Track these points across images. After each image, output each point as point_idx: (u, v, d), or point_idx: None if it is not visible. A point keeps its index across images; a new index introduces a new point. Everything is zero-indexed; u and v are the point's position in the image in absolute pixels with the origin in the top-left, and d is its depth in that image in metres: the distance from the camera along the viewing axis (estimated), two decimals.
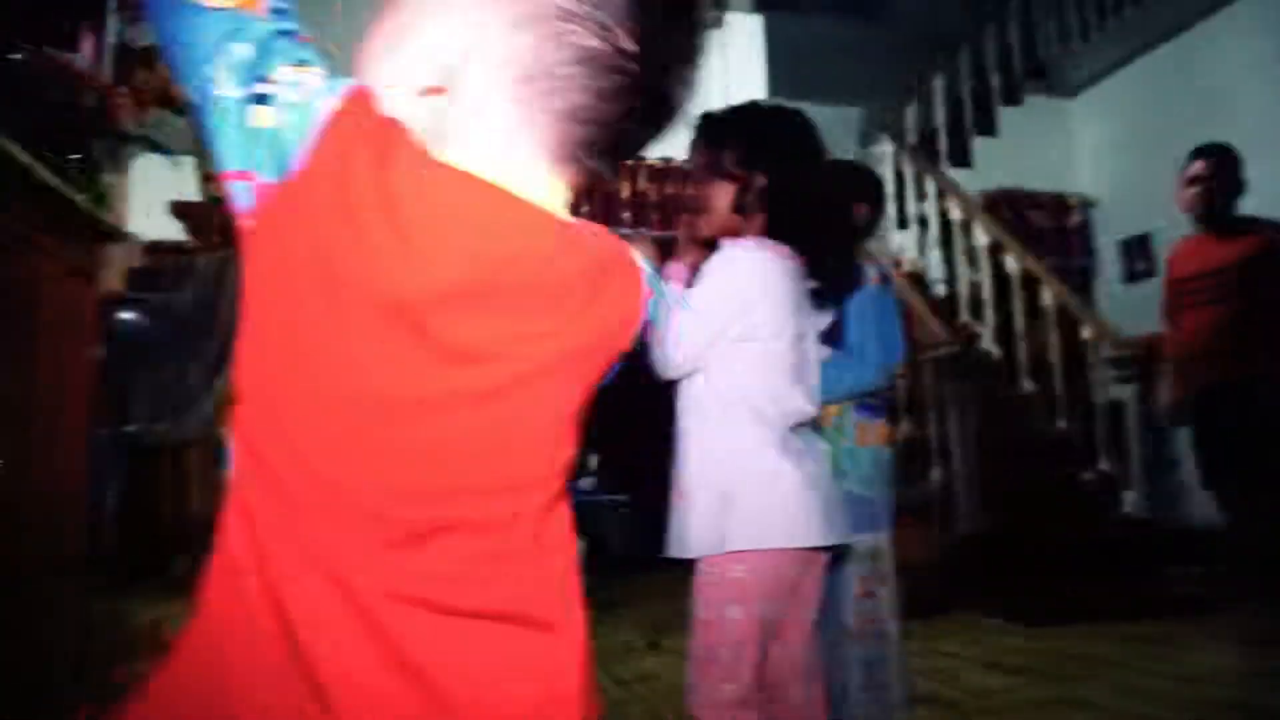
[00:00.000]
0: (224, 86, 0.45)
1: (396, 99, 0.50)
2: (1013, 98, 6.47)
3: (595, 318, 0.55)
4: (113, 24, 2.71)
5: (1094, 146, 6.59)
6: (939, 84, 6.02)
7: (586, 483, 4.35)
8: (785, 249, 1.26)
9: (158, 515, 4.51)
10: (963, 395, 3.70)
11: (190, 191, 4.51)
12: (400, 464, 0.48)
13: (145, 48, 3.08)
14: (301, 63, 0.47)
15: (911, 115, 6.14)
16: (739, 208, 1.29)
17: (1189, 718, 2.06)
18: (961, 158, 6.19)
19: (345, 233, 0.46)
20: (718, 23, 5.88)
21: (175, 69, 0.48)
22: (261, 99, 0.45)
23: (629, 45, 0.50)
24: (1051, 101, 6.65)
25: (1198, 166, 3.08)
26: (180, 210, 4.67)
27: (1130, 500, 4.14)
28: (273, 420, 0.47)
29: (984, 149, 6.31)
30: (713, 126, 1.61)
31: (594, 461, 4.53)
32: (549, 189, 0.54)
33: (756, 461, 1.19)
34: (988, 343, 4.60)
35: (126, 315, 1.76)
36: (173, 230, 5.00)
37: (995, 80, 6.36)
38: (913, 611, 3.39)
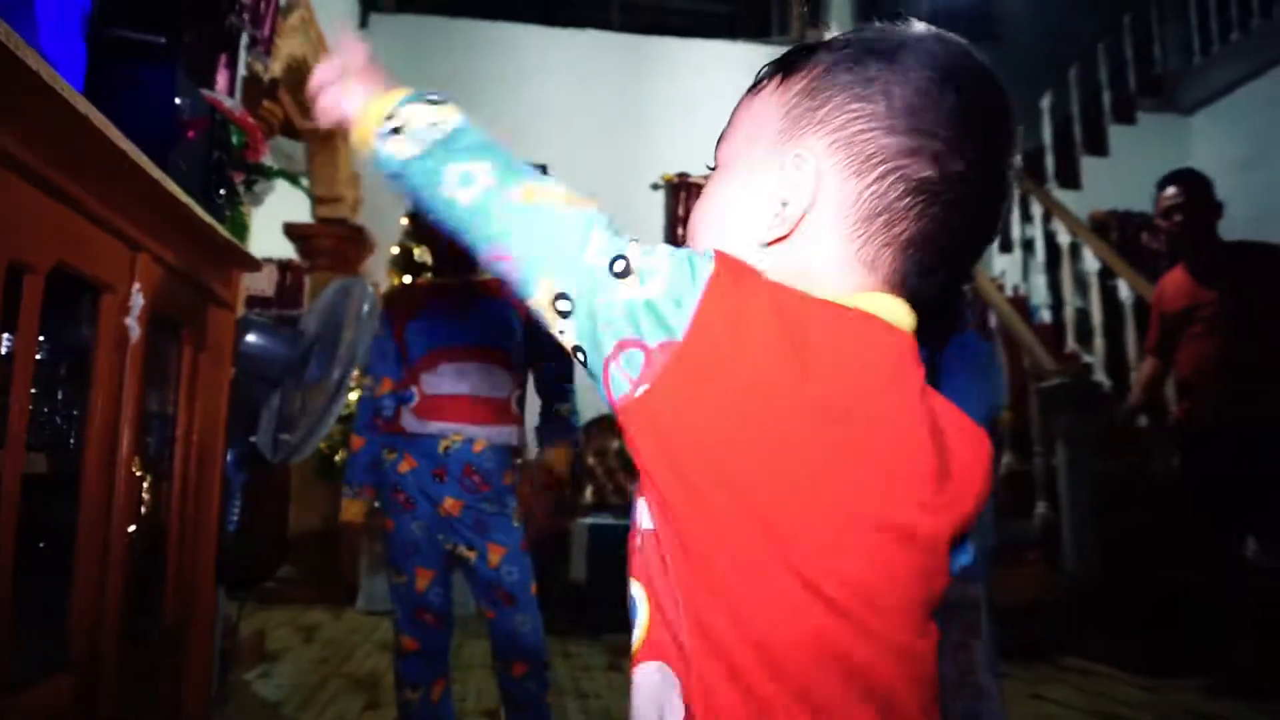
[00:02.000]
0: (600, 273, 0.48)
1: (741, 254, 0.52)
2: (1126, 115, 6.23)
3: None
4: (243, 56, 2.86)
5: (1214, 165, 6.28)
6: (1046, 102, 5.83)
7: None
8: None
9: (259, 528, 4.70)
10: (1072, 428, 3.55)
11: (301, 213, 4.69)
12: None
13: (271, 79, 3.24)
14: (634, 239, 0.50)
15: (1017, 134, 5.97)
16: None
17: None
18: (1070, 178, 5.98)
19: (781, 404, 0.46)
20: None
21: (533, 273, 0.50)
22: (626, 273, 0.48)
23: (960, 167, 0.52)
24: (1168, 119, 6.37)
25: (1170, 194, 2.89)
26: (294, 232, 4.88)
27: (1251, 546, 3.90)
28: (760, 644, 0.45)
29: (1093, 169, 6.09)
30: None
31: None
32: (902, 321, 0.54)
33: None
34: (1099, 373, 4.41)
35: (255, 338, 1.83)
36: (286, 249, 5.23)
37: (1107, 98, 6.14)
38: (1015, 655, 3.28)
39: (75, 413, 1.14)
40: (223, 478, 1.87)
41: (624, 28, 6.00)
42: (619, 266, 0.48)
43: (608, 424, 5.03)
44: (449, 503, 1.79)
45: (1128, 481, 3.87)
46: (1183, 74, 6.28)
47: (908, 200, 0.52)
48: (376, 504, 1.94)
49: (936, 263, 0.53)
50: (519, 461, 1.93)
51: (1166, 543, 3.66)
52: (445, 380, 1.84)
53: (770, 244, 0.54)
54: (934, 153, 0.51)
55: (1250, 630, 2.93)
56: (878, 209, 0.52)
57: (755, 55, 5.88)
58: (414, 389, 1.86)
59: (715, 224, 0.58)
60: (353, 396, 2.88)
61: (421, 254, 4.76)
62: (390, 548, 1.85)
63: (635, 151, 5.53)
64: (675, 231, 5.44)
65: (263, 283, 5.11)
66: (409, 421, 1.84)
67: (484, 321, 1.89)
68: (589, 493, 4.85)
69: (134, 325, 1.16)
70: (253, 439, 2.11)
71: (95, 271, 1.09)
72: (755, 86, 0.60)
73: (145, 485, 1.28)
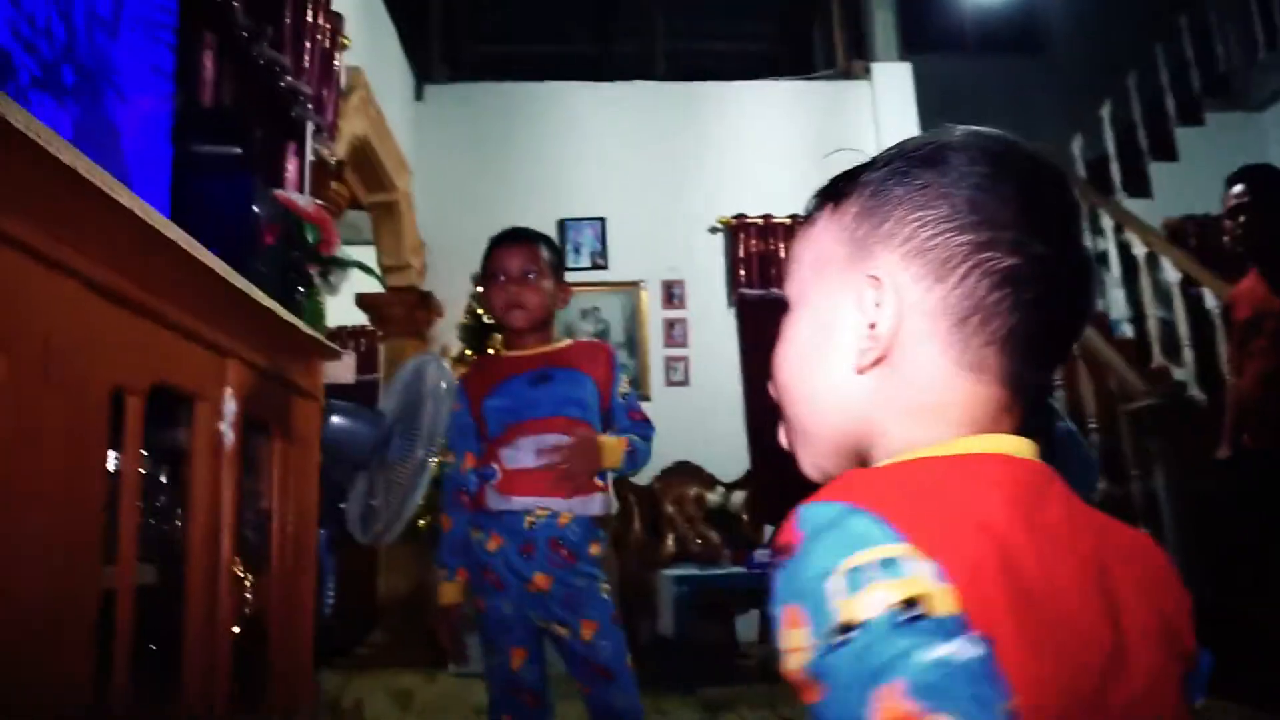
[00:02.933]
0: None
1: (841, 388, 0.53)
2: (1192, 117, 6.04)
3: None
4: (309, 144, 2.98)
5: None
6: (1106, 110, 5.70)
7: (762, 554, 4.27)
8: None
9: (350, 596, 4.79)
10: (1168, 451, 3.40)
11: (372, 282, 4.83)
12: None
13: (338, 161, 3.36)
14: None
15: (1077, 146, 5.83)
16: None
17: None
18: (1139, 186, 5.81)
19: None
20: (864, 73, 5.82)
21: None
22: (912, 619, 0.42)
23: (1041, 249, 0.51)
24: (1237, 117, 6.16)
25: (1236, 192, 2.69)
26: (365, 302, 5.03)
27: None
28: None
29: (1163, 175, 5.90)
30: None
31: (768, 533, 4.46)
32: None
33: None
34: (1192, 388, 4.23)
35: (338, 420, 1.88)
36: (358, 317, 5.38)
37: (1170, 101, 5.97)
38: None
39: (178, 521, 1.18)
40: (317, 562, 1.91)
41: (669, 76, 6.07)
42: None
43: (686, 471, 5.01)
44: (539, 579, 1.79)
45: (1232, 503, 3.69)
46: (1248, 70, 6.08)
47: (997, 294, 0.51)
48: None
49: (1042, 351, 0.52)
50: (604, 534, 1.91)
51: (1272, 566, 3.47)
52: (525, 454, 1.85)
53: (866, 369, 0.53)
54: (1010, 241, 0.51)
55: None
56: (970, 309, 0.51)
57: (800, 91, 5.89)
58: (495, 465, 1.87)
59: (806, 363, 0.57)
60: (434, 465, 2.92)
61: (490, 319, 4.86)
62: (483, 628, 1.86)
63: (691, 196, 5.57)
64: (737, 273, 5.44)
65: (343, 371, 5.25)
66: (493, 499, 1.85)
67: (560, 391, 1.90)
68: (670, 541, 4.81)
69: (228, 430, 1.21)
70: (342, 521, 2.16)
71: (189, 383, 1.13)
72: (807, 219, 0.60)
73: (248, 584, 1.32)
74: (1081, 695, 0.45)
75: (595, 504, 1.88)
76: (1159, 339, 4.51)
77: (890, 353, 0.52)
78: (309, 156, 2.96)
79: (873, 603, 0.41)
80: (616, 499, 4.64)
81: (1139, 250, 4.58)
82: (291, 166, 2.72)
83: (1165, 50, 6.02)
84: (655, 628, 4.10)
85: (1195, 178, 5.91)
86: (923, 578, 0.42)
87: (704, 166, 5.64)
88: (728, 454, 5.08)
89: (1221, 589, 3.28)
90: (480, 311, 4.89)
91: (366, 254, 4.77)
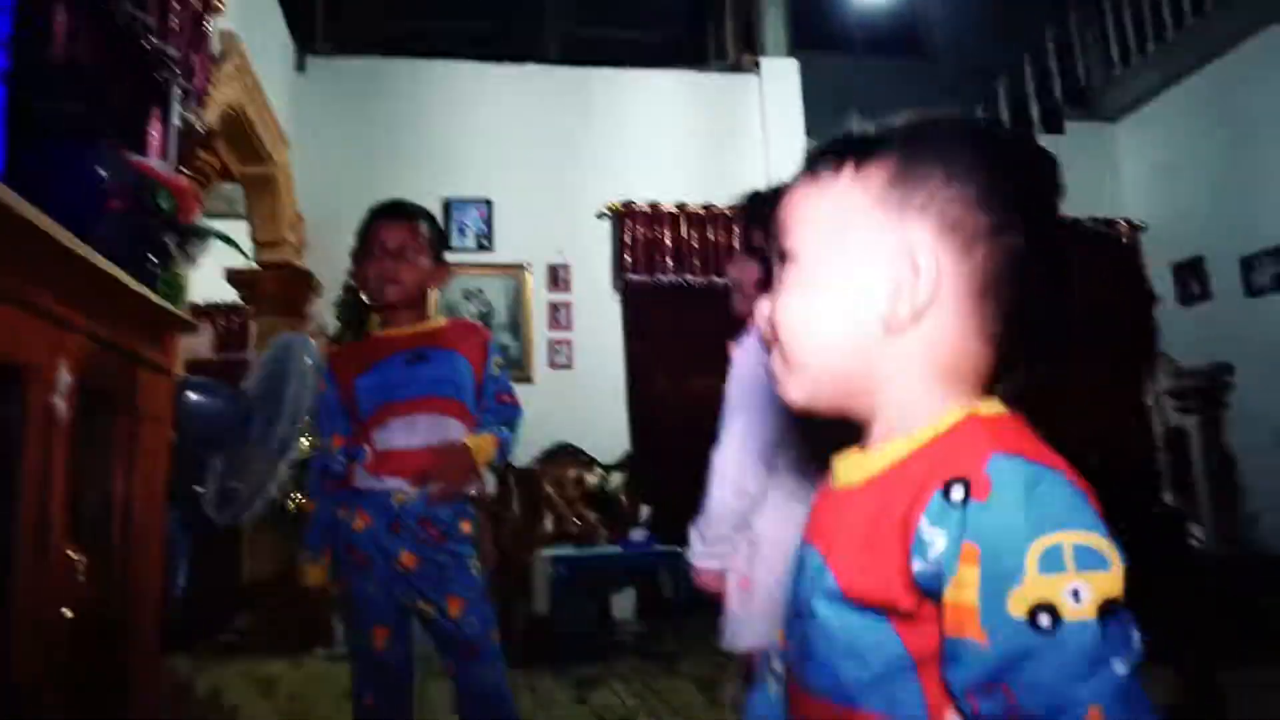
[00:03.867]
0: None
1: (863, 342, 0.58)
2: (1054, 126, 6.42)
3: None
4: (175, 109, 2.83)
5: (1140, 171, 6.50)
6: (978, 115, 5.99)
7: (638, 534, 4.33)
8: None
9: (211, 581, 4.60)
10: None
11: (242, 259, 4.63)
12: None
13: (208, 129, 3.20)
14: None
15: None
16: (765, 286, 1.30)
17: None
18: None
19: None
20: (753, 67, 5.94)
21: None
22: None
23: (1043, 232, 0.58)
24: (1094, 127, 6.59)
25: None
26: (236, 278, 4.82)
27: (1198, 533, 4.02)
28: None
29: None
30: (748, 203, 1.66)
31: (645, 513, 4.52)
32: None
33: None
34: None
35: (195, 398, 1.81)
36: (229, 293, 5.15)
37: (1034, 108, 6.33)
38: None
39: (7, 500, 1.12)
40: (167, 542, 1.84)
41: (562, 60, 6.03)
42: None
43: (567, 453, 5.02)
44: (406, 557, 1.77)
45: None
46: (1105, 83, 6.50)
47: (1010, 272, 0.57)
48: None
49: (1048, 325, 0.59)
50: (475, 512, 1.90)
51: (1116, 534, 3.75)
52: (396, 434, 1.82)
53: (898, 330, 0.58)
54: (1021, 224, 0.57)
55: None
56: (988, 282, 0.57)
57: (691, 82, 5.96)
58: (365, 446, 1.84)
59: (822, 311, 0.61)
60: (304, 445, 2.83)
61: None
62: (347, 608, 1.83)
63: (580, 181, 5.56)
64: (623, 259, 5.47)
65: (200, 347, 5.02)
66: (361, 478, 1.82)
67: (434, 372, 1.88)
68: (549, 522, 4.83)
69: (60, 404, 1.15)
70: (198, 503, 2.08)
71: (19, 354, 1.07)
72: (816, 175, 0.63)
73: (81, 564, 1.26)
74: None
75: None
76: None
77: (921, 320, 0.57)
78: (174, 123, 2.81)
79: (1077, 603, 0.47)
80: (496, 479, 4.61)
81: None
82: (155, 133, 2.58)
83: (1031, 60, 6.37)
84: (531, 608, 4.12)
85: None
86: (1118, 574, 0.49)
87: (593, 152, 5.64)
88: (609, 436, 5.13)
89: None
90: (356, 289, 4.76)
91: (241, 228, 4.56)
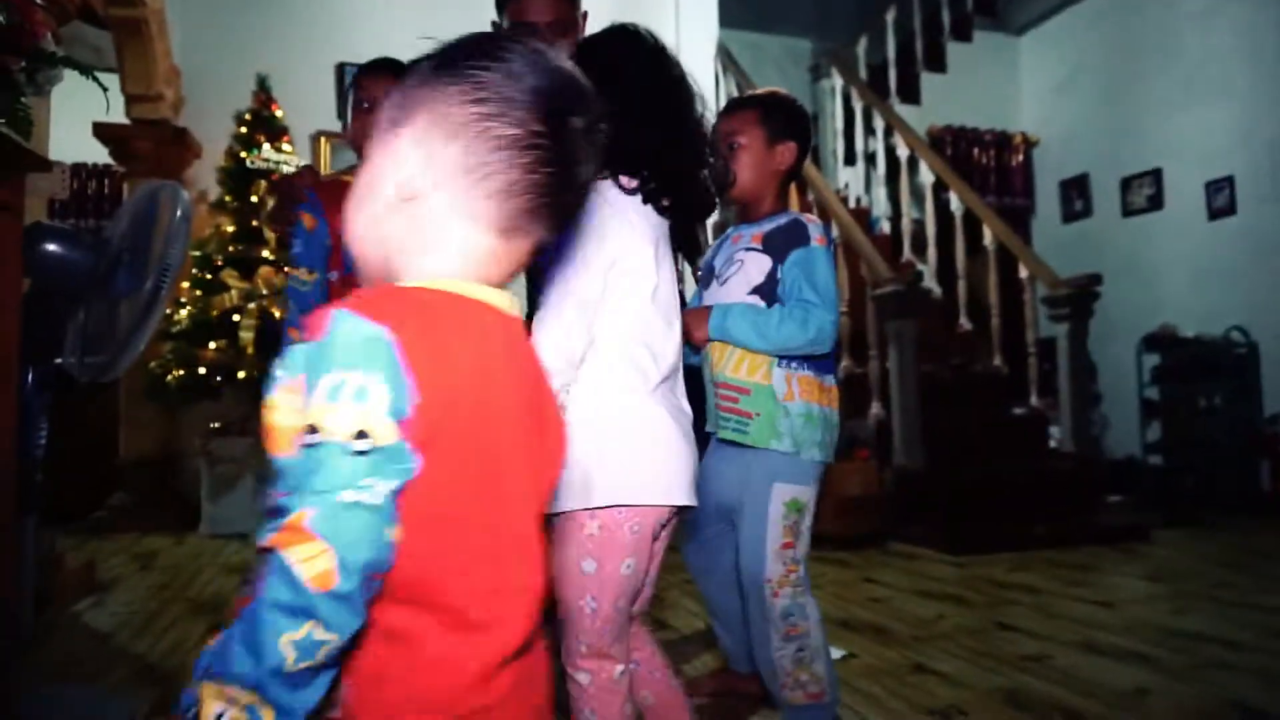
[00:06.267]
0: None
1: (386, 213, 0.64)
2: (963, 33, 6.46)
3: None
4: None
5: (1038, 86, 6.64)
6: (890, 17, 5.97)
7: None
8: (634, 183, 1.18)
9: (86, 457, 4.41)
10: (903, 333, 3.77)
11: (113, 113, 4.28)
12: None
13: None
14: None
15: (862, 48, 6.09)
16: None
17: (1105, 637, 2.19)
18: (911, 93, 6.19)
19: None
20: None
21: None
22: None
23: (539, 126, 0.63)
24: (999, 39, 6.66)
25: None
26: (104, 133, 4.45)
27: (1057, 435, 4.31)
28: None
29: (932, 85, 6.31)
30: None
31: None
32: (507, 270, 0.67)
33: (633, 413, 1.15)
34: (929, 280, 4.67)
35: (52, 246, 1.68)
36: (98, 153, 4.77)
37: (945, 15, 6.34)
38: (851, 544, 3.52)
39: None
40: (23, 400, 1.73)
41: None
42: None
43: None
44: None
45: (951, 381, 4.17)
46: None
47: (495, 156, 0.62)
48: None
49: (534, 208, 0.64)
50: None
51: (979, 436, 3.99)
52: None
53: (403, 203, 0.64)
54: (514, 117, 0.62)
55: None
56: (470, 165, 0.63)
57: None
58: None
59: (362, 195, 0.67)
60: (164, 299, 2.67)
61: (256, 160, 4.46)
62: None
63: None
64: None
65: (56, 187, 4.67)
66: None
67: None
68: None
69: None
70: (58, 359, 1.95)
71: None
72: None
73: None
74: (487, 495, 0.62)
75: None
76: (910, 236, 4.92)
77: (414, 197, 0.63)
78: None
79: (336, 422, 0.53)
80: None
81: (903, 153, 4.91)
82: None
83: None
84: None
85: (960, 91, 6.38)
86: (380, 410, 0.54)
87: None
88: None
89: (936, 456, 3.73)
90: (244, 155, 4.48)
91: (112, 82, 4.18)
